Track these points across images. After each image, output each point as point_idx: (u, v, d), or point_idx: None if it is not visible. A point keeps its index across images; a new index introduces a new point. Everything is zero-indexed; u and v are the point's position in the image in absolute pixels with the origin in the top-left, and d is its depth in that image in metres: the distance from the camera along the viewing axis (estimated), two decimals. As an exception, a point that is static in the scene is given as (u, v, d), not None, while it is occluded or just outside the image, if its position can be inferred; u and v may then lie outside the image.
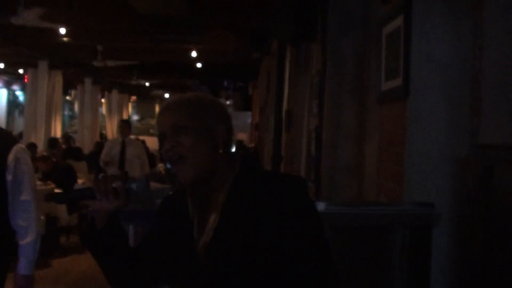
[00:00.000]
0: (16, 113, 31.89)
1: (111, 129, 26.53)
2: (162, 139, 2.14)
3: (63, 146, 15.64)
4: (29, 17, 9.87)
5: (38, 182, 9.91)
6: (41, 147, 14.92)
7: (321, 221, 2.11)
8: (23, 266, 3.95)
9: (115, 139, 14.46)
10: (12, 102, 31.77)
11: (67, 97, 30.23)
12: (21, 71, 21.09)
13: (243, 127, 22.53)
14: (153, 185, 3.53)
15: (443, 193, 3.36)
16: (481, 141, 3.25)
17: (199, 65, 17.61)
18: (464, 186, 3.26)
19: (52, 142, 14.76)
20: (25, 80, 18.60)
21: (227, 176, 2.15)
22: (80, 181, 11.00)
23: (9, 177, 3.79)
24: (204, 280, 2.09)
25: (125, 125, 12.18)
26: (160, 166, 10.48)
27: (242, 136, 20.85)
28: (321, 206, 3.12)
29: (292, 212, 2.05)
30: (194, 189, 2.19)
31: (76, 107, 26.58)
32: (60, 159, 12.00)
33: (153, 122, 36.41)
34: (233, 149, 2.26)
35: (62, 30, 12.05)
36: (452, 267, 3.34)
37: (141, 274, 2.33)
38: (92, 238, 2.28)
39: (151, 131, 34.19)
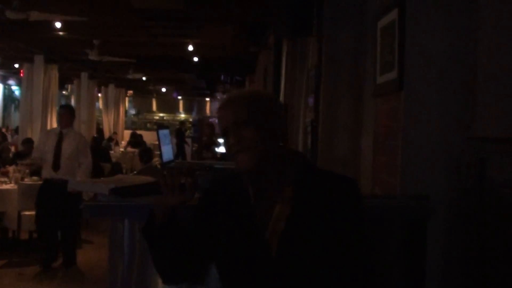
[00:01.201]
0: (12, 108, 31.90)
1: (108, 124, 26.53)
2: (226, 133, 2.25)
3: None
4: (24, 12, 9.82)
5: (35, 178, 9.92)
6: (37, 142, 14.88)
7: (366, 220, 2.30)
8: None
9: (51, 130, 11.54)
10: (8, 97, 31.80)
11: (64, 92, 30.21)
12: (16, 65, 21.10)
13: (240, 121, 22.53)
14: (148, 178, 3.51)
15: (438, 185, 3.36)
16: (476, 133, 3.25)
17: (196, 59, 17.60)
18: (458, 178, 3.26)
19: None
20: (21, 75, 18.57)
21: (289, 170, 2.27)
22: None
23: None
24: (275, 268, 2.17)
25: (64, 112, 9.49)
26: (156, 160, 10.39)
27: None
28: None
29: (352, 211, 2.22)
30: (255, 178, 2.28)
31: (73, 101, 26.55)
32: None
33: (150, 116, 36.49)
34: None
35: (58, 24, 12.02)
36: (447, 259, 3.34)
37: (189, 264, 2.41)
38: (152, 231, 2.35)
39: (148, 125, 34.25)
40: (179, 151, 22.72)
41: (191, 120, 33.74)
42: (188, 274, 2.47)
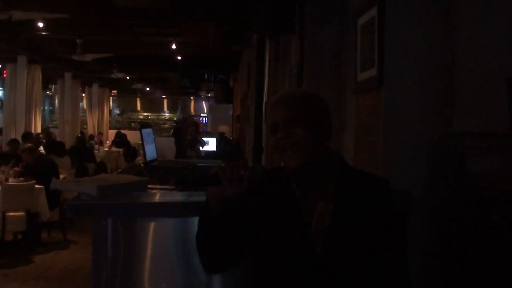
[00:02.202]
0: (-5, 108, 31.69)
1: (93, 124, 26.44)
2: (275, 128, 2.31)
3: (43, 140, 15.54)
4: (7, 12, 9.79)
5: (20, 178, 9.89)
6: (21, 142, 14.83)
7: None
8: None
9: None
10: (-9, 98, 31.56)
11: (47, 92, 30.07)
12: (-1, 66, 21.00)
13: (224, 119, 22.53)
14: (131, 177, 3.53)
15: (418, 180, 3.39)
16: (455, 129, 3.29)
17: (179, 58, 17.58)
18: (438, 173, 3.29)
19: (25, 136, 14.57)
20: (4, 75, 18.47)
21: (330, 168, 2.33)
22: (61, 176, 10.93)
23: None
24: (320, 263, 2.21)
25: None
26: (139, 159, 10.40)
27: (223, 128, 20.84)
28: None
29: (388, 208, 2.29)
30: (300, 175, 2.33)
31: (56, 101, 26.45)
32: (40, 153, 11.84)
33: (134, 115, 36.34)
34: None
35: (41, 24, 11.98)
36: (428, 253, 3.38)
37: (233, 252, 2.44)
38: (207, 220, 2.39)
39: (133, 124, 34.13)
40: (179, 150, 21.74)
41: (175, 119, 33.68)
42: (230, 263, 2.49)
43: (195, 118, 24.99)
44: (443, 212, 3.22)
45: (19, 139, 14.67)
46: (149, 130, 5.23)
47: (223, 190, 2.33)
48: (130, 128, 32.67)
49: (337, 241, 2.22)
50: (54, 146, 13.21)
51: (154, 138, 5.31)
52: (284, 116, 2.27)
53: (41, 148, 13.55)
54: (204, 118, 28.04)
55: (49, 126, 25.75)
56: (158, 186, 3.54)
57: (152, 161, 4.82)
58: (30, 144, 11.41)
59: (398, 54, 3.54)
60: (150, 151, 4.92)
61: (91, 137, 23.42)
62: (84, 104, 28.35)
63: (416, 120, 3.45)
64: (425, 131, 3.42)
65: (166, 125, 34.66)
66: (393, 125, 3.54)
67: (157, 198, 3.34)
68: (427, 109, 3.43)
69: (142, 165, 4.72)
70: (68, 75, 21.69)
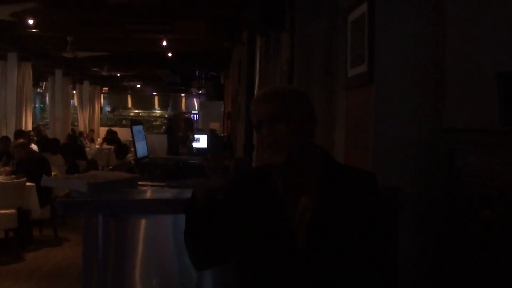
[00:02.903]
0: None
1: (83, 121, 26.37)
2: (259, 126, 2.33)
3: (35, 138, 15.48)
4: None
5: (12, 176, 9.86)
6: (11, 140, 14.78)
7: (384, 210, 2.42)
8: None
9: None
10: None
11: (38, 90, 29.99)
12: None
13: (215, 116, 22.49)
14: (122, 174, 3.53)
15: (409, 176, 3.41)
16: (445, 125, 3.30)
17: (170, 55, 17.55)
18: (428, 169, 3.30)
19: (17, 134, 14.52)
20: (-5, 73, 18.41)
21: (314, 163, 2.35)
22: (53, 173, 10.90)
23: None
24: (302, 257, 2.24)
25: None
26: (130, 156, 10.37)
27: (214, 125, 20.79)
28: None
29: (373, 202, 2.31)
30: (285, 171, 2.35)
31: (47, 99, 26.36)
32: (32, 150, 11.76)
33: (125, 113, 36.26)
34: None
35: (31, 22, 11.94)
36: (418, 249, 3.39)
37: (221, 249, 2.46)
38: (194, 212, 2.42)
39: (124, 122, 34.05)
40: (171, 148, 21.27)
41: (166, 116, 33.62)
42: (218, 258, 2.51)
43: (186, 115, 24.97)
44: (433, 208, 3.22)
45: (10, 136, 14.63)
46: (140, 127, 5.20)
47: (208, 180, 2.36)
48: (121, 125, 32.62)
49: (319, 235, 2.24)
50: (48, 143, 13.15)
51: (145, 135, 5.30)
52: (268, 113, 2.29)
53: (32, 145, 13.46)
54: (195, 115, 27.99)
55: (40, 123, 25.65)
56: (149, 183, 3.53)
57: (143, 158, 4.80)
58: (22, 140, 11.39)
59: (388, 50, 3.54)
60: (141, 148, 4.90)
61: (81, 134, 23.36)
62: (75, 101, 28.27)
63: (406, 116, 3.46)
64: (415, 127, 3.43)
65: (157, 122, 34.60)
66: (383, 121, 3.54)
67: (148, 195, 3.33)
68: (418, 105, 3.44)
69: (133, 162, 4.70)
70: (59, 73, 21.62)
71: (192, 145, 14.17)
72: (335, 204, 2.27)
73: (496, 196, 2.51)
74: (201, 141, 14.83)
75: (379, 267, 2.29)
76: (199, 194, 2.39)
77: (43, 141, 13.49)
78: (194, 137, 14.33)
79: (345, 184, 2.32)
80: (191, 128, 14.97)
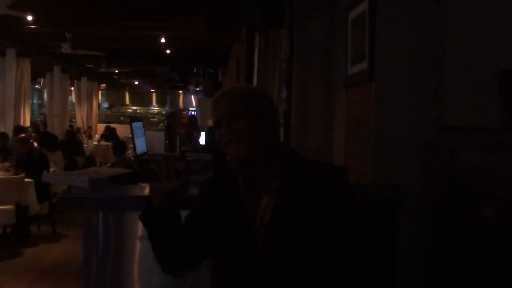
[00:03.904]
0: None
1: (81, 117, 26.35)
2: (218, 124, 2.31)
3: (33, 134, 15.48)
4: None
5: (10, 172, 9.85)
6: (10, 136, 14.78)
7: (359, 206, 2.31)
8: None
9: None
10: (-20, 92, 31.38)
11: (36, 86, 29.95)
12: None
13: (213, 113, 22.38)
14: (122, 171, 3.53)
15: (409, 174, 3.41)
16: (445, 123, 3.31)
17: (168, 51, 17.54)
18: (429, 167, 3.31)
19: (17, 130, 14.54)
20: (-7, 69, 18.40)
21: (278, 162, 2.31)
22: (51, 170, 10.89)
23: None
24: (262, 258, 2.21)
25: None
26: (129, 153, 10.38)
27: (212, 122, 20.75)
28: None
29: (341, 198, 2.25)
30: (244, 170, 2.33)
31: (45, 95, 26.33)
32: (32, 146, 11.72)
33: (123, 109, 36.23)
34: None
35: (30, 18, 11.93)
36: (419, 247, 3.39)
37: (187, 254, 2.43)
38: (150, 217, 2.40)
39: (121, 118, 34.03)
40: (170, 144, 21.18)
41: (164, 112, 33.61)
42: (187, 264, 2.49)
43: (183, 112, 24.94)
44: (434, 206, 3.23)
45: (9, 132, 14.63)
46: (139, 124, 5.21)
47: (161, 184, 2.33)
48: (119, 122, 32.59)
49: (278, 235, 2.21)
50: (47, 140, 13.13)
51: (144, 131, 5.30)
52: (226, 111, 2.28)
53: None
54: (193, 112, 27.97)
55: (38, 119, 25.65)
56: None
57: (143, 154, 4.81)
58: (23, 135, 11.39)
59: (389, 48, 3.55)
60: (140, 145, 4.91)
61: (78, 130, 23.36)
62: (73, 97, 28.25)
63: (407, 114, 3.46)
64: (416, 125, 3.43)
65: (155, 119, 34.58)
66: (384, 118, 3.54)
67: (148, 191, 3.33)
68: (418, 103, 3.45)
69: (132, 158, 4.71)
70: (57, 69, 21.59)
71: (198, 142, 14.22)
72: (297, 203, 2.22)
73: (497, 194, 2.52)
74: (200, 138, 14.83)
75: (351, 264, 2.23)
76: (156, 198, 2.36)
77: (42, 137, 13.46)
78: (200, 134, 14.35)
79: (311, 181, 2.26)
80: (196, 126, 15.01)
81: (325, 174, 2.30)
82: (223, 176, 2.46)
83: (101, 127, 27.05)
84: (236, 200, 2.33)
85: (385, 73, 3.56)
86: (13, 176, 9.60)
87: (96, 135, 24.29)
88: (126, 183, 2.80)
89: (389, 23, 3.55)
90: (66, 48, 14.45)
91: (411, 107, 3.47)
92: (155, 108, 36.97)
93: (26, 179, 9.74)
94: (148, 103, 37.31)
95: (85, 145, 18.99)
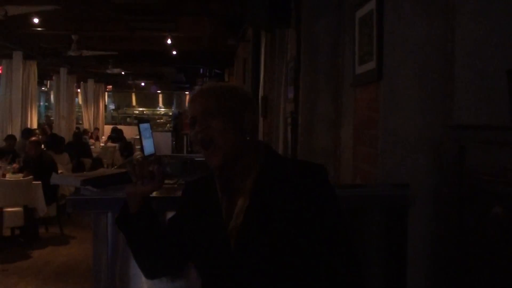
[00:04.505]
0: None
1: (88, 119, 26.42)
2: (193, 123, 2.26)
3: (40, 136, 15.52)
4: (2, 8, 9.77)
5: (19, 174, 9.89)
6: (17, 138, 14.82)
7: (341, 204, 2.23)
8: None
9: None
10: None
11: (43, 88, 30.03)
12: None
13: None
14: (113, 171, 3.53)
15: (418, 174, 3.39)
16: (455, 121, 3.29)
17: (174, 52, 17.55)
18: (438, 166, 3.29)
19: (26, 133, 14.58)
20: (0, 72, 18.44)
21: (254, 162, 2.26)
22: (59, 171, 10.91)
23: None
24: (235, 261, 2.17)
25: None
26: (137, 154, 10.39)
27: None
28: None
29: (318, 197, 2.16)
30: (221, 172, 2.28)
31: (52, 97, 26.40)
32: (42, 149, 11.74)
33: (130, 111, 36.32)
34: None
35: (36, 20, 11.95)
36: (429, 247, 3.37)
37: (168, 258, 2.42)
38: (126, 221, 2.38)
39: (128, 120, 34.10)
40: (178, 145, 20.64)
41: (170, 113, 33.66)
42: (168, 268, 2.48)
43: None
44: (443, 206, 3.22)
45: (16, 135, 14.67)
46: (146, 125, 5.23)
47: (136, 187, 2.31)
48: (126, 123, 32.66)
49: (249, 238, 2.16)
50: (54, 142, 13.16)
51: (151, 132, 5.32)
52: (201, 109, 2.23)
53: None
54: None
55: (45, 122, 25.72)
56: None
57: (150, 155, 4.82)
58: (35, 138, 11.46)
59: (397, 47, 3.53)
60: (148, 146, 4.93)
61: (85, 132, 23.44)
62: (79, 99, 28.33)
63: (415, 113, 3.44)
64: (424, 124, 3.41)
65: (162, 120, 34.64)
66: (392, 118, 3.53)
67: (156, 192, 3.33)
68: (427, 102, 3.42)
69: (140, 159, 4.72)
70: (63, 71, 21.66)
71: None
72: (271, 204, 2.16)
73: (507, 193, 2.51)
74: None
75: (330, 267, 2.15)
76: (130, 201, 2.35)
77: (49, 140, 13.49)
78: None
79: (286, 180, 2.19)
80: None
81: (302, 173, 2.22)
82: (204, 178, 2.43)
83: (108, 128, 27.13)
84: (213, 203, 2.29)
85: (393, 72, 3.54)
86: (21, 179, 9.63)
87: (103, 137, 24.35)
88: (99, 186, 2.80)
89: (397, 21, 3.53)
90: (74, 51, 14.45)
91: (420, 106, 3.45)
92: (162, 109, 37.07)
93: (34, 181, 9.77)
94: (155, 104, 37.43)
95: (92, 147, 19.05)
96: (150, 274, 2.56)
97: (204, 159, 2.28)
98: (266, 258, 2.12)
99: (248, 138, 2.26)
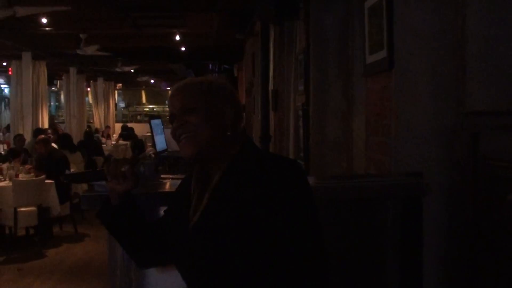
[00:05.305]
0: (2, 106, 31.85)
1: (99, 118, 26.51)
2: (172, 119, 2.20)
3: (51, 136, 15.58)
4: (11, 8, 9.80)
5: (31, 174, 9.92)
6: (28, 138, 14.88)
7: (314, 205, 2.12)
8: None
9: None
10: (-2, 96, 31.75)
11: (53, 88, 30.13)
12: (4, 63, 21.01)
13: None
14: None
15: (432, 162, 3.38)
16: (467, 108, 3.27)
17: (183, 48, 17.55)
18: (452, 154, 3.28)
19: (37, 133, 14.64)
20: (10, 73, 18.50)
21: (226, 157, 2.18)
22: (72, 170, 10.95)
23: None
24: (192, 258, 2.13)
25: None
26: (150, 150, 10.41)
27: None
28: (310, 180, 3.13)
29: (281, 194, 2.05)
30: (199, 167, 2.25)
31: (62, 97, 26.50)
32: (52, 147, 11.77)
33: (140, 108, 36.38)
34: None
35: (44, 20, 11.98)
36: (444, 235, 3.37)
37: (156, 250, 2.39)
38: (107, 215, 2.35)
39: (138, 117, 34.17)
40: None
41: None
42: (158, 259, 2.46)
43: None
44: (457, 193, 3.21)
45: (27, 135, 14.73)
46: (158, 121, 5.22)
47: (111, 185, 2.27)
48: (136, 121, 32.74)
49: (203, 235, 2.10)
50: (66, 141, 13.21)
51: (163, 129, 5.31)
52: (179, 105, 2.17)
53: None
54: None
55: (56, 121, 25.83)
56: (170, 176, 3.53)
57: (163, 151, 4.82)
58: (43, 136, 11.49)
59: (407, 35, 3.51)
60: (160, 142, 4.92)
61: (96, 130, 23.54)
62: (89, 98, 28.42)
63: (428, 101, 3.43)
64: (437, 112, 3.39)
65: (172, 117, 34.69)
66: (404, 107, 3.52)
67: (168, 187, 3.33)
68: (439, 89, 3.41)
69: (153, 155, 4.72)
70: (73, 70, 21.70)
71: None
72: (232, 200, 2.07)
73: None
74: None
75: (292, 267, 2.04)
76: (112, 196, 2.31)
77: (62, 139, 13.53)
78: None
79: (253, 176, 2.09)
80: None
81: (273, 169, 2.11)
82: (190, 173, 2.37)
83: (118, 126, 27.22)
84: (186, 198, 2.26)
85: (404, 60, 3.53)
86: (34, 178, 9.67)
87: (114, 135, 24.43)
88: (79, 182, 2.82)
89: (407, 9, 3.51)
90: (84, 49, 14.47)
91: (433, 93, 3.43)
92: (172, 106, 37.12)
93: (47, 181, 9.80)
94: (165, 101, 37.44)
95: (104, 145, 19.10)
96: (141, 264, 2.54)
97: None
98: (220, 257, 2.05)
99: (229, 133, 2.19)
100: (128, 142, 21.24)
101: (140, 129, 25.67)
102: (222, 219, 2.07)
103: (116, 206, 2.30)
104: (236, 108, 2.24)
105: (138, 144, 13.08)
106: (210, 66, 23.59)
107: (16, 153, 11.29)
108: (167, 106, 36.51)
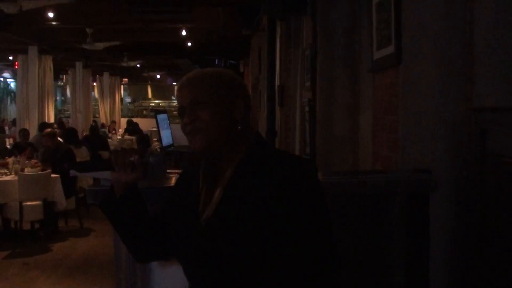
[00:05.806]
0: (8, 100, 31.91)
1: (104, 112, 26.54)
2: (181, 112, 2.18)
3: (57, 131, 15.60)
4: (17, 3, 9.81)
5: (37, 168, 9.93)
6: (34, 133, 14.90)
7: (326, 204, 2.11)
8: None
9: None
10: (4, 90, 31.80)
11: (59, 82, 30.18)
12: (11, 58, 21.06)
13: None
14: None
15: (439, 158, 3.36)
16: (476, 104, 3.25)
17: (189, 44, 17.55)
18: (459, 151, 3.26)
19: (42, 127, 14.65)
20: (16, 67, 18.53)
21: (238, 152, 2.16)
22: (78, 165, 10.97)
23: None
24: (203, 254, 2.10)
25: None
26: (156, 144, 10.40)
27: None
28: (317, 176, 3.13)
29: (295, 192, 2.03)
30: (206, 161, 2.23)
31: (68, 91, 26.54)
32: (59, 141, 11.77)
33: (146, 103, 36.40)
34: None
35: (51, 14, 11.98)
36: (451, 232, 3.35)
37: (157, 244, 2.37)
38: (110, 205, 2.33)
39: (144, 112, 34.19)
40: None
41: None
42: (158, 253, 2.45)
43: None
44: (465, 190, 3.19)
45: (33, 129, 14.75)
46: (164, 116, 5.23)
47: (118, 175, 2.26)
48: (142, 116, 32.77)
49: (218, 231, 2.07)
50: (72, 136, 13.22)
51: (169, 123, 5.31)
52: (189, 98, 2.14)
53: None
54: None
55: (62, 116, 25.87)
56: (176, 171, 3.52)
57: (169, 146, 4.82)
58: (50, 129, 11.50)
59: (415, 30, 3.50)
60: (166, 137, 4.93)
61: (103, 125, 23.59)
62: (95, 93, 28.46)
63: (435, 97, 3.40)
64: (445, 108, 3.37)
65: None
66: (412, 102, 3.50)
67: (174, 182, 3.32)
68: (447, 85, 3.39)
69: (158, 149, 4.72)
70: (79, 65, 21.74)
71: None
72: (245, 196, 2.06)
73: (531, 175, 2.48)
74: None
75: (303, 264, 2.04)
76: (116, 187, 2.29)
77: (67, 134, 13.53)
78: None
79: (266, 173, 2.07)
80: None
81: (285, 165, 2.09)
82: (197, 167, 2.33)
83: (124, 121, 27.26)
84: (193, 192, 2.23)
85: (412, 56, 3.51)
86: (40, 173, 9.68)
87: (120, 130, 24.47)
88: (84, 171, 2.81)
89: (415, 4, 3.50)
90: (91, 44, 14.48)
91: (440, 89, 3.41)
92: (177, 101, 37.16)
93: (53, 175, 9.81)
94: (171, 96, 37.48)
95: (109, 140, 19.14)
96: (140, 258, 2.53)
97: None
98: (233, 254, 2.04)
99: (239, 127, 2.16)
100: (133, 137, 21.29)
101: (146, 124, 25.68)
102: (238, 214, 2.05)
103: (120, 196, 2.29)
104: (246, 100, 2.22)
105: (143, 139, 13.06)
106: (216, 61, 23.58)
107: (21, 147, 11.30)
108: (173, 101, 36.62)
